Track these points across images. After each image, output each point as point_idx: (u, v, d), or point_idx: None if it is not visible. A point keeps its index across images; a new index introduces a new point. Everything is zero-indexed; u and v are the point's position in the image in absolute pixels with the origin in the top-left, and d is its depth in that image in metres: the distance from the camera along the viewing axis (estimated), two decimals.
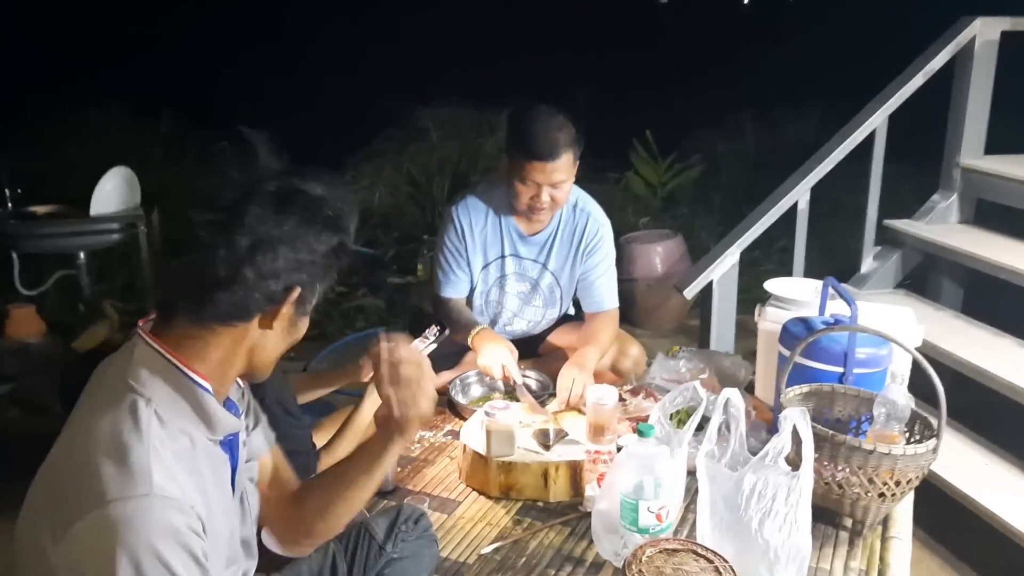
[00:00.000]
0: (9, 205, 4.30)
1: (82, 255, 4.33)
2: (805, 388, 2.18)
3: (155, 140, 5.85)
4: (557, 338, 2.89)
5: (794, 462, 1.76)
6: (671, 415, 2.10)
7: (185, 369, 1.19)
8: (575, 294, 2.86)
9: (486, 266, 2.76)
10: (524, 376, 2.66)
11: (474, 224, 2.71)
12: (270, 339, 1.25)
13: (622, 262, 5.14)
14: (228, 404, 1.32)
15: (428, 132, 5.94)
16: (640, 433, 1.75)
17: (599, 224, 2.77)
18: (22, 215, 4.25)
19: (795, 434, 1.75)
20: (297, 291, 1.21)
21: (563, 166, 2.50)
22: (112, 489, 1.07)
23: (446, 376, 2.70)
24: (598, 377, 2.65)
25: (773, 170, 5.17)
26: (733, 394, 1.85)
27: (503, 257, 2.76)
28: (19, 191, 4.35)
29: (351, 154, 6.00)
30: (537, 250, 2.77)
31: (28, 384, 4.16)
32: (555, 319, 2.91)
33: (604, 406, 2.19)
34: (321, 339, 5.00)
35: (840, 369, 2.20)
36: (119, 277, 4.82)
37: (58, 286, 4.53)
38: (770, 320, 2.57)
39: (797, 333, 2.28)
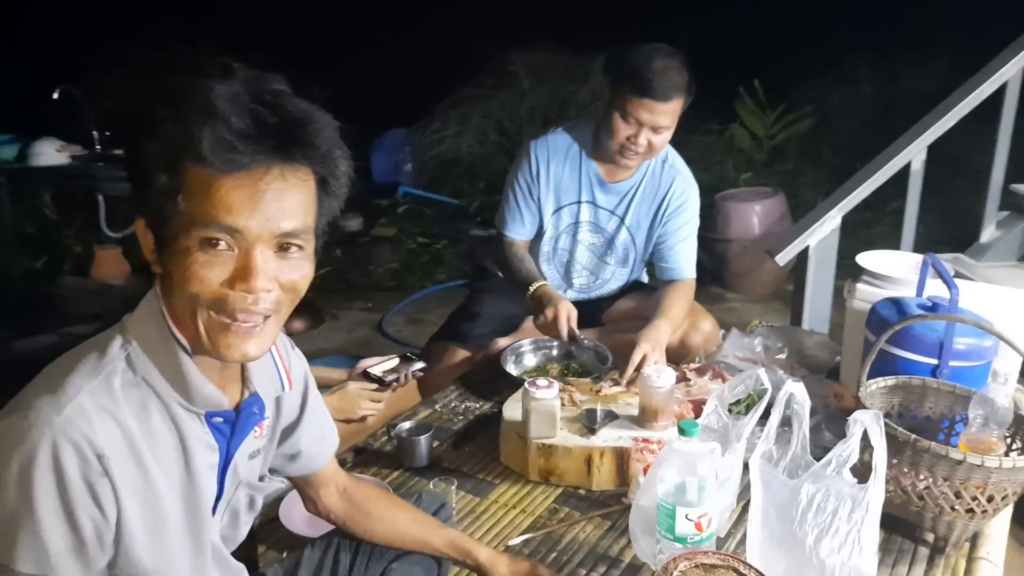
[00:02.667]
0: (97, 147, 4.33)
1: None
2: (891, 380, 1.91)
3: None
4: (624, 306, 2.68)
5: (865, 470, 1.52)
6: (731, 404, 1.88)
7: (170, 324, 1.08)
8: (649, 258, 2.64)
9: (558, 210, 2.57)
10: (585, 344, 2.48)
11: (551, 162, 2.52)
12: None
13: (716, 221, 4.85)
14: (252, 398, 1.20)
15: (519, 78, 5.70)
16: (681, 431, 1.54)
17: (687, 185, 2.55)
18: (107, 158, 4.28)
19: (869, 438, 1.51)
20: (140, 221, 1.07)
21: (671, 111, 2.30)
22: (29, 400, 1.00)
23: (501, 343, 2.54)
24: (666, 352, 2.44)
25: (893, 123, 4.71)
26: (796, 388, 1.61)
27: (579, 203, 2.57)
28: (107, 133, 4.38)
29: (438, 101, 5.84)
30: (616, 201, 2.56)
31: (111, 324, 4.24)
32: (624, 282, 2.70)
33: (659, 388, 1.98)
34: (400, 290, 4.93)
35: (934, 361, 1.92)
36: None
37: None
38: (860, 299, 2.29)
39: (886, 317, 2.01)
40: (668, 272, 2.55)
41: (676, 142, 2.56)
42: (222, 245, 1.02)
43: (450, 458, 2.08)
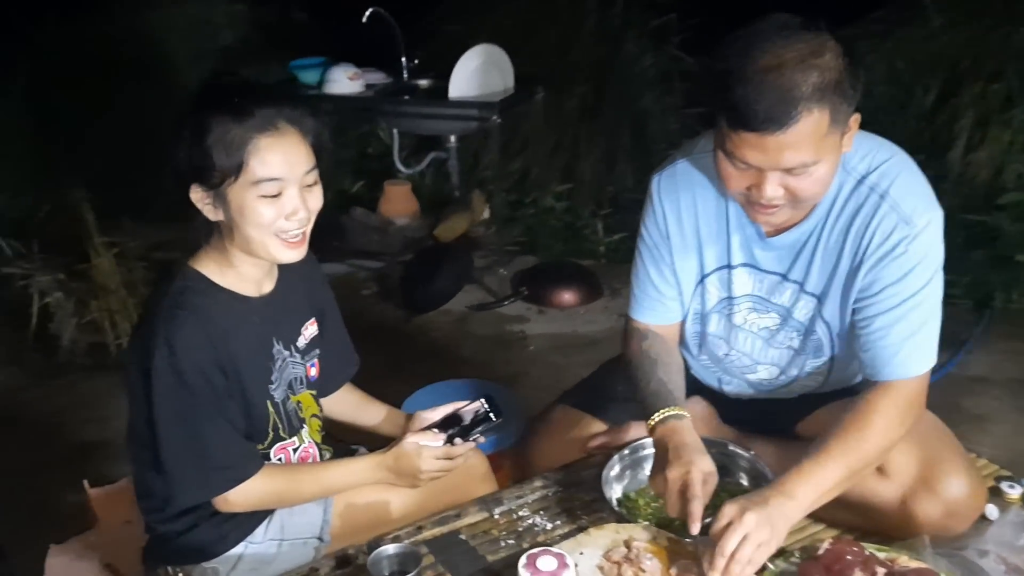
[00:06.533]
0: (405, 75, 4.10)
1: (452, 139, 4.00)
2: None
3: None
4: (832, 414, 1.65)
5: None
6: None
7: None
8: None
9: (703, 279, 1.67)
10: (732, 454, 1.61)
11: (683, 206, 1.62)
12: None
13: None
14: None
15: (927, 13, 4.30)
16: None
17: (901, 219, 1.45)
18: (400, 89, 4.03)
19: None
20: None
21: (802, 139, 1.31)
22: None
23: (632, 431, 1.73)
24: (873, 519, 1.47)
25: None
26: None
27: (729, 268, 1.63)
28: (415, 61, 4.12)
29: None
30: (789, 259, 1.58)
31: (390, 265, 4.08)
32: (824, 373, 1.70)
33: None
34: None
35: None
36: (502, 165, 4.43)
37: (434, 168, 4.33)
38: None
39: None
40: (867, 368, 1.49)
41: None
42: None
43: None
